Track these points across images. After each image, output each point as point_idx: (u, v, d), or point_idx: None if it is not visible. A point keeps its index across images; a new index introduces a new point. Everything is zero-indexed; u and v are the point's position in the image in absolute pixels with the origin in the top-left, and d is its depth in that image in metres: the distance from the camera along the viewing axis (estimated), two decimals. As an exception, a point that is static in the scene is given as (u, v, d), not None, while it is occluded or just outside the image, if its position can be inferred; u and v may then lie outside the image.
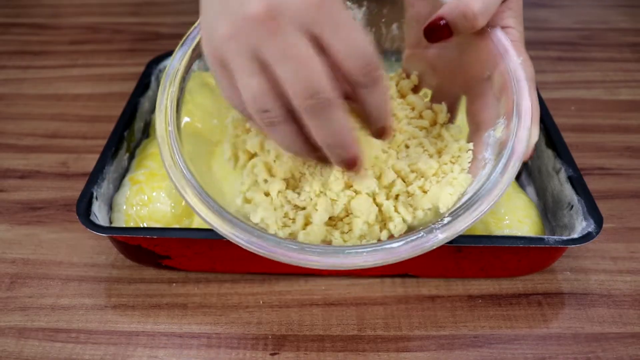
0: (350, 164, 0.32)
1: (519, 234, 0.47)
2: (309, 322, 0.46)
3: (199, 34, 0.43)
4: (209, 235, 0.45)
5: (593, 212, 0.46)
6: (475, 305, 0.48)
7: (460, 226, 0.36)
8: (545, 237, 0.44)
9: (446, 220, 0.37)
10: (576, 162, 0.51)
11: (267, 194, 0.41)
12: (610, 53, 0.80)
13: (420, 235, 0.36)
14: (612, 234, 0.54)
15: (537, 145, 0.55)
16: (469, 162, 0.42)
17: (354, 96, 0.32)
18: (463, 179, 0.40)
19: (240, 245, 0.37)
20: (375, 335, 0.45)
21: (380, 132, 0.34)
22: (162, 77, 0.44)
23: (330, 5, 0.28)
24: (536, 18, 0.88)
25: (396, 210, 0.40)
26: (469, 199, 0.37)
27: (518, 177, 0.58)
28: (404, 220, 0.40)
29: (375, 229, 0.40)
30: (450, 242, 0.44)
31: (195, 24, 0.45)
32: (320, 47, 0.29)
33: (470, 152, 0.42)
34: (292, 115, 0.31)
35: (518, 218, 0.48)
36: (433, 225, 0.37)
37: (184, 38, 0.45)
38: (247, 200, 0.42)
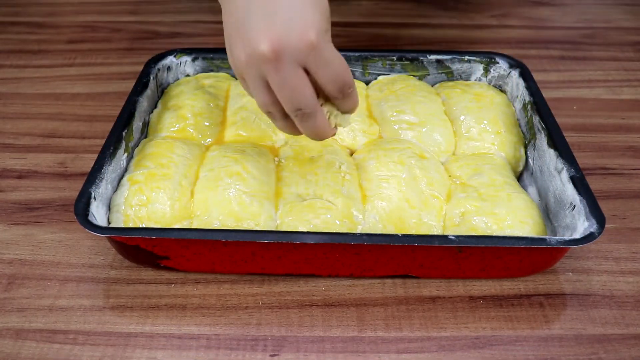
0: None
1: (521, 234, 0.47)
2: (309, 323, 0.46)
3: None
4: (209, 236, 0.44)
5: (595, 213, 0.45)
6: (476, 306, 0.47)
7: None
8: (547, 237, 0.44)
9: None
10: (578, 162, 0.50)
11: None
12: (612, 52, 0.80)
13: None
14: (615, 234, 0.53)
15: (539, 145, 0.55)
16: None
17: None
18: None
19: None
20: (375, 336, 0.45)
21: (344, 123, 0.46)
22: None
23: (321, 46, 0.39)
24: (538, 17, 0.88)
25: None
26: None
27: (520, 177, 0.57)
28: None
29: None
30: (451, 242, 0.43)
31: None
32: (309, 71, 0.40)
33: None
34: (287, 114, 0.44)
35: (519, 218, 0.48)
36: None
37: None
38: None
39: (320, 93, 0.43)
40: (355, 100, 0.45)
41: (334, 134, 0.46)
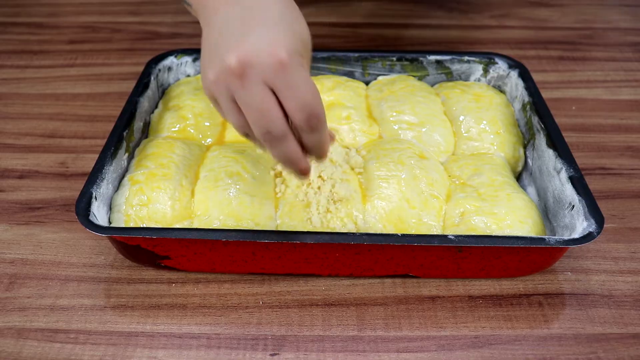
0: (302, 174, 0.43)
1: (520, 234, 0.47)
2: (309, 323, 0.46)
3: None
4: (209, 236, 0.45)
5: (594, 212, 0.45)
6: (475, 305, 0.47)
7: None
8: (546, 237, 0.44)
9: None
10: (577, 162, 0.51)
11: None
12: (611, 52, 0.80)
13: None
14: (613, 234, 0.53)
15: (538, 145, 0.55)
16: None
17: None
18: None
19: None
20: (375, 336, 0.45)
21: (317, 159, 0.44)
22: None
23: (290, 68, 0.37)
24: (537, 17, 0.88)
25: None
26: None
27: (519, 177, 0.58)
28: None
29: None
30: (451, 242, 0.44)
31: None
32: (276, 93, 0.38)
33: None
34: None
35: (519, 218, 0.48)
36: None
37: None
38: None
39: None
40: (323, 138, 0.41)
41: (308, 170, 0.42)
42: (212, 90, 0.40)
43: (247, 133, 0.42)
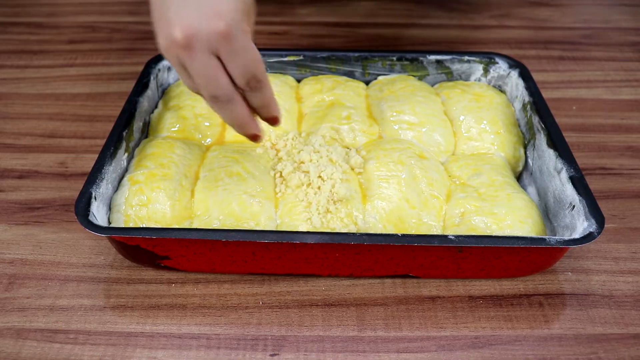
0: (253, 138, 0.46)
1: (520, 234, 0.47)
2: (309, 323, 0.46)
3: None
4: (209, 236, 0.45)
5: (595, 213, 0.45)
6: (476, 305, 0.47)
7: None
8: (547, 237, 0.44)
9: None
10: (577, 162, 0.50)
11: None
12: (611, 52, 0.80)
13: None
14: (614, 234, 0.53)
15: (538, 145, 0.55)
16: None
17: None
18: None
19: None
20: (375, 336, 0.45)
21: (269, 121, 0.47)
22: None
23: (232, 35, 0.40)
24: (537, 17, 0.88)
25: None
26: None
27: (519, 177, 0.57)
28: None
29: None
30: (451, 242, 0.44)
31: None
32: (221, 60, 0.41)
33: None
34: None
35: (519, 218, 0.48)
36: None
37: None
38: None
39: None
40: (265, 96, 0.44)
41: (259, 132, 0.46)
42: (166, 56, 0.42)
43: (200, 93, 0.44)
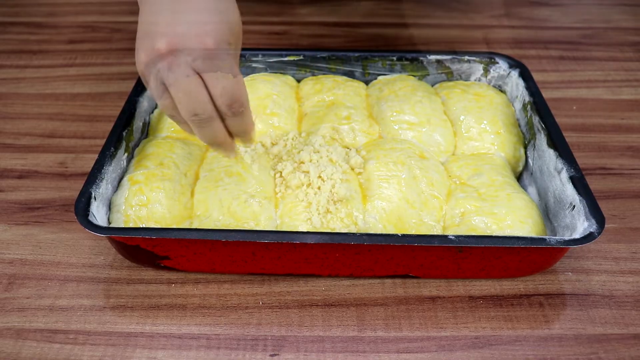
0: (227, 156, 0.48)
1: (521, 234, 0.47)
2: (309, 323, 0.46)
3: None
4: (209, 236, 0.44)
5: (595, 213, 0.45)
6: (476, 306, 0.47)
7: None
8: (547, 237, 0.44)
9: None
10: (578, 162, 0.50)
11: None
12: (612, 52, 0.80)
13: None
14: (614, 234, 0.53)
15: (538, 145, 0.55)
16: None
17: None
18: None
19: None
20: (375, 336, 0.45)
21: (244, 142, 0.48)
22: None
23: (219, 55, 0.39)
24: (537, 17, 0.88)
25: None
26: None
27: (519, 177, 0.57)
28: None
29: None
30: (451, 242, 0.43)
31: None
32: (203, 79, 0.40)
33: None
34: None
35: (519, 218, 0.48)
36: None
37: None
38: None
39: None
40: (245, 123, 0.44)
41: (234, 152, 0.47)
42: (143, 71, 0.41)
43: (174, 115, 0.43)
